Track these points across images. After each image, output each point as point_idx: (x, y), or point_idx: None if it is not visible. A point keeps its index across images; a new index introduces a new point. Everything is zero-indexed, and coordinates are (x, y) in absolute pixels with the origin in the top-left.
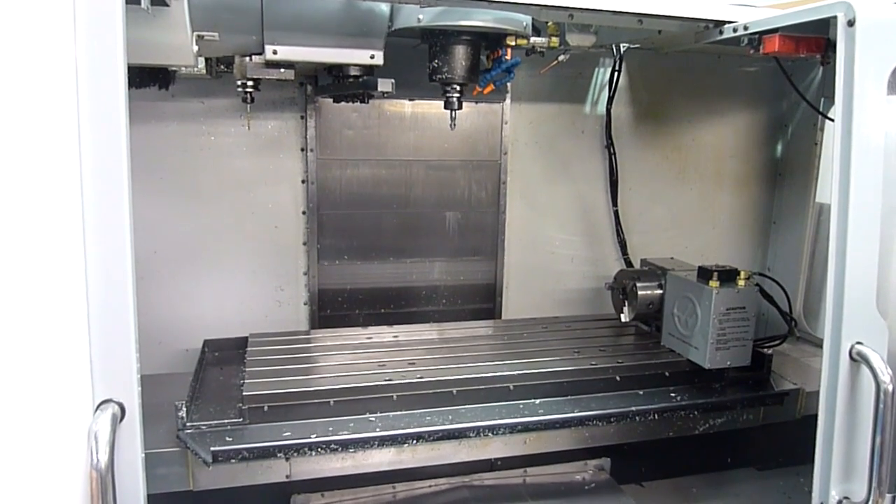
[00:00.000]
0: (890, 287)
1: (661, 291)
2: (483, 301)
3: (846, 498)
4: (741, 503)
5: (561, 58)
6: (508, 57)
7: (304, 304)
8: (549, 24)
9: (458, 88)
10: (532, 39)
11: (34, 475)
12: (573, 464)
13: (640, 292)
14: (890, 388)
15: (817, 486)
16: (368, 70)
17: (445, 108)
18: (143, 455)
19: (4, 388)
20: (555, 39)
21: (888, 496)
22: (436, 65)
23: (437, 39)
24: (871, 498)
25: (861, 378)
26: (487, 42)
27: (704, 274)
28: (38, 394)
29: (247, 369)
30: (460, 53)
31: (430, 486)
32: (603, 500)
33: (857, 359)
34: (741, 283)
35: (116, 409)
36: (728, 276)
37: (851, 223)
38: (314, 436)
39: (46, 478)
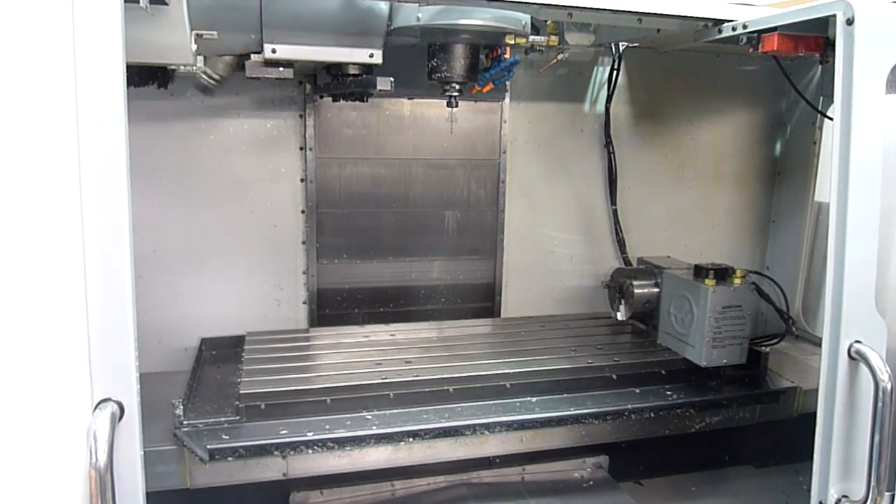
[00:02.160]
0: (889, 286)
1: (657, 290)
2: (482, 300)
3: (845, 496)
4: (740, 501)
5: (560, 56)
6: (507, 56)
7: (304, 303)
8: (548, 22)
9: (457, 87)
10: (531, 38)
11: (34, 474)
12: (571, 461)
13: (636, 291)
14: (889, 386)
15: (816, 484)
16: (367, 69)
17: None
18: (143, 454)
19: (4, 387)
20: (553, 38)
21: (887, 494)
22: (434, 63)
23: (436, 38)
24: (870, 496)
25: (860, 377)
26: (486, 41)
27: (700, 272)
28: (38, 393)
29: (244, 367)
30: (459, 52)
31: (428, 484)
32: (601, 498)
33: (856, 357)
34: (737, 281)
35: (115, 408)
36: (723, 274)
37: (850, 222)
38: (310, 433)
39: (46, 476)
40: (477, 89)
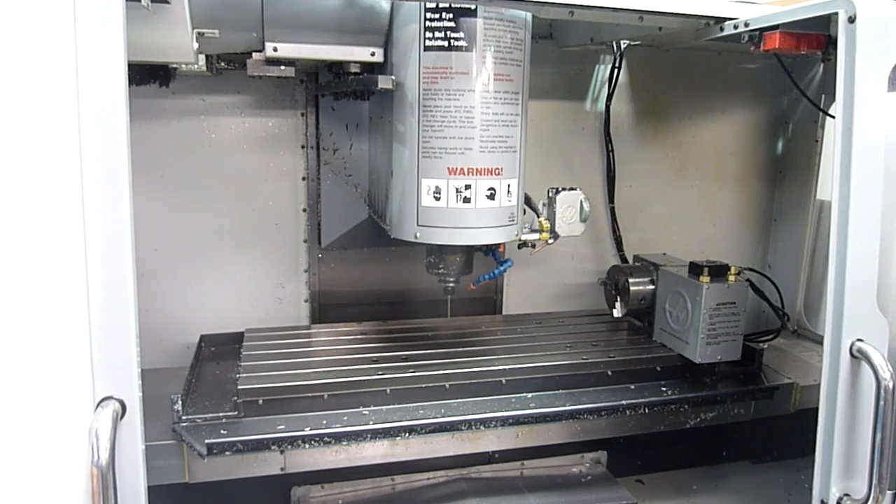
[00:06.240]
0: (891, 284)
1: (652, 287)
2: (484, 297)
3: (846, 495)
4: (741, 499)
5: (550, 241)
6: (502, 250)
7: (305, 301)
8: (541, 219)
9: (453, 282)
10: (523, 236)
11: (35, 472)
12: (570, 457)
13: (632, 288)
14: (890, 385)
15: (818, 483)
16: (369, 67)
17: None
18: (144, 452)
19: (5, 386)
20: (545, 234)
21: (889, 493)
22: (432, 260)
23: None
24: (872, 495)
25: (861, 375)
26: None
27: (695, 269)
28: (40, 391)
29: (242, 364)
30: (455, 256)
31: (428, 479)
32: (599, 492)
33: (858, 356)
34: (731, 278)
35: (117, 407)
36: (719, 271)
37: (852, 220)
38: (308, 429)
39: (47, 475)
40: (472, 287)
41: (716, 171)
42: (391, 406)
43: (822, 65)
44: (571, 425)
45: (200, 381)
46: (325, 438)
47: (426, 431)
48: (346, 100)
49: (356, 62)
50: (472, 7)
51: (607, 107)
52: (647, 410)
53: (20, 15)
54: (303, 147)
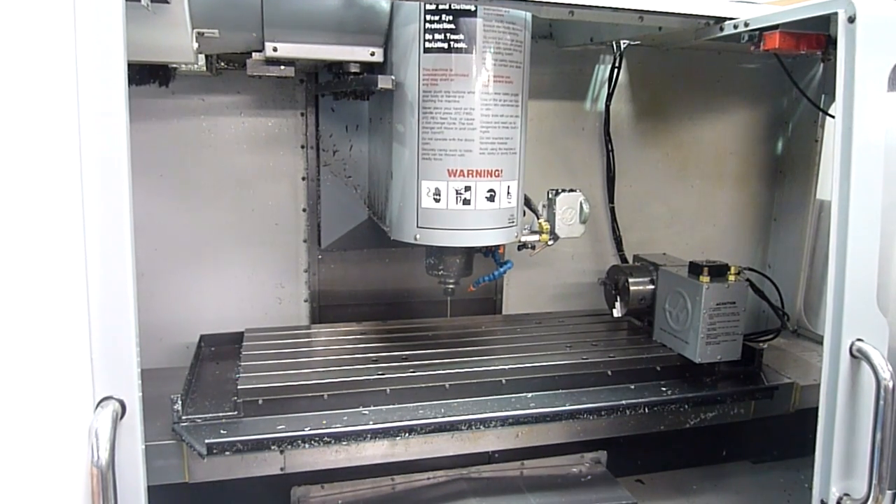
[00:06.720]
0: (890, 283)
1: (652, 287)
2: (484, 297)
3: (846, 495)
4: (741, 499)
5: (550, 243)
6: (501, 251)
7: (305, 301)
8: (541, 220)
9: (453, 284)
10: (523, 238)
11: (35, 472)
12: (570, 457)
13: (631, 287)
14: (890, 384)
15: (818, 483)
16: (369, 67)
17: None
18: (144, 452)
19: (5, 386)
20: (545, 236)
21: (888, 493)
22: (431, 262)
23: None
24: (872, 495)
25: (861, 375)
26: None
27: (695, 269)
28: (40, 391)
29: (242, 363)
30: (455, 258)
31: (427, 479)
32: (599, 492)
33: (858, 356)
34: (731, 278)
35: (117, 406)
36: (719, 271)
37: (852, 220)
38: (307, 428)
39: (48, 474)
40: (472, 289)
41: (716, 171)
42: (391, 406)
43: (822, 65)
44: (571, 425)
45: (200, 381)
46: (325, 438)
47: (426, 431)
48: (345, 100)
49: (356, 62)
50: (472, 8)
51: (607, 107)
52: (647, 410)
53: (20, 15)
54: (303, 147)
